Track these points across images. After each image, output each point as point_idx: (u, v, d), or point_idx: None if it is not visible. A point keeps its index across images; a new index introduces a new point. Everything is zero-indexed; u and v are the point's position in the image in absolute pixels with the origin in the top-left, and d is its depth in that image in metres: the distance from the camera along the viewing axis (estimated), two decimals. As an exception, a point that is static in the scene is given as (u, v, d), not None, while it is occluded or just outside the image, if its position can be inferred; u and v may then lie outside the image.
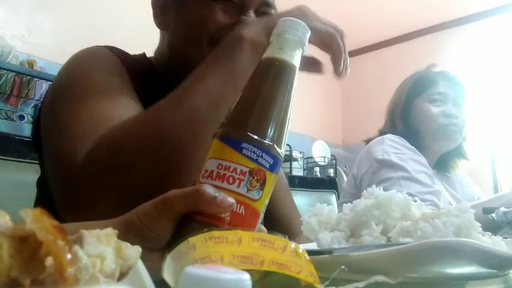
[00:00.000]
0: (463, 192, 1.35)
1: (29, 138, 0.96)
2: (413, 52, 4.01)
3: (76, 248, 0.21)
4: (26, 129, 2.05)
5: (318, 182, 1.96)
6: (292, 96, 0.41)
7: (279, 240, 0.28)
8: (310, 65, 0.63)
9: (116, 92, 0.62)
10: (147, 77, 0.72)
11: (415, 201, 0.48)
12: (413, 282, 0.36)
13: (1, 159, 0.90)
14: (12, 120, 2.01)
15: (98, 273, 0.21)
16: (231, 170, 0.36)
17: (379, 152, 1.20)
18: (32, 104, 2.05)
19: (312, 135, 3.84)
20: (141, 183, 0.49)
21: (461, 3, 3.75)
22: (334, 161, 3.77)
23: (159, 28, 0.76)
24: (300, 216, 0.87)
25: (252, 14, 0.68)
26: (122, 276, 0.24)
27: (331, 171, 3.71)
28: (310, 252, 0.30)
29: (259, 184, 0.36)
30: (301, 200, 1.59)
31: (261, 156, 0.37)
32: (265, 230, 0.40)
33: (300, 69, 0.43)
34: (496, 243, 0.42)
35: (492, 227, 0.72)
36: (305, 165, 3.70)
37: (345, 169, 3.76)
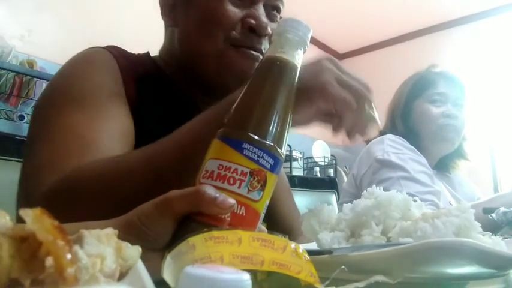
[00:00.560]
0: (463, 192, 1.35)
1: (29, 138, 0.96)
2: (413, 52, 4.01)
3: (76, 248, 0.21)
4: (26, 129, 2.04)
5: (318, 182, 1.96)
6: (293, 96, 0.41)
7: (279, 240, 0.28)
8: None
9: (102, 102, 0.62)
10: (149, 77, 0.72)
11: (415, 201, 0.48)
12: (413, 282, 0.36)
13: (1, 159, 0.90)
14: (12, 120, 2.02)
15: (98, 273, 0.21)
16: (231, 170, 0.36)
17: (379, 152, 1.20)
18: (32, 104, 2.05)
19: (312, 135, 3.84)
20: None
21: (459, 4, 3.75)
22: (334, 161, 3.77)
23: (168, 26, 0.75)
24: (300, 217, 0.87)
25: (261, 8, 0.69)
26: (121, 276, 0.24)
27: (331, 171, 3.71)
28: (310, 252, 0.30)
29: (260, 185, 0.36)
30: (301, 200, 1.59)
31: (262, 157, 0.37)
32: (265, 230, 0.40)
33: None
34: (496, 243, 0.42)
35: (492, 227, 0.72)
36: (305, 165, 3.70)
37: (345, 169, 3.76)
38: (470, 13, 3.87)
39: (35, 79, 2.01)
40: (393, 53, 4.32)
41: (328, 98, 0.45)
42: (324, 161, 3.70)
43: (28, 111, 2.05)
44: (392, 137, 1.26)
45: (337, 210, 0.51)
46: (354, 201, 0.48)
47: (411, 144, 1.24)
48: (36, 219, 0.20)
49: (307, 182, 1.76)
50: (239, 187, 0.36)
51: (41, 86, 2.03)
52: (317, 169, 3.74)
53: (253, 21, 0.67)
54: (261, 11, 0.68)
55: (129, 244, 0.25)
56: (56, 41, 2.35)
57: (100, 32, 2.43)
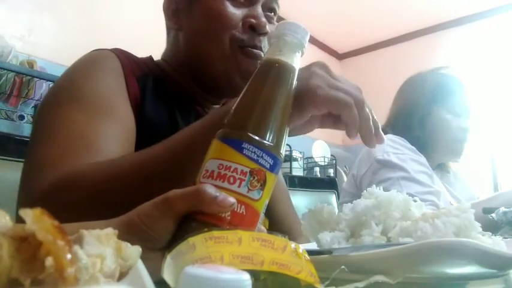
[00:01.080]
0: (463, 192, 1.35)
1: (28, 138, 0.96)
2: (412, 52, 4.01)
3: (76, 248, 0.21)
4: (26, 129, 2.05)
5: (318, 182, 1.96)
6: (291, 97, 0.42)
7: (279, 240, 0.28)
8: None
9: (104, 103, 0.62)
10: (153, 77, 0.73)
11: (415, 201, 0.48)
12: (413, 282, 0.36)
13: (1, 159, 0.90)
14: (12, 120, 2.02)
15: (98, 273, 0.21)
16: (231, 170, 0.36)
17: (379, 152, 1.20)
18: (32, 104, 2.05)
19: (312, 135, 3.83)
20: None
21: (457, 4, 3.75)
22: (334, 161, 3.78)
23: (173, 29, 0.77)
24: (298, 218, 0.88)
25: (259, 8, 0.71)
26: (121, 276, 0.24)
27: (331, 171, 3.72)
28: (310, 252, 0.30)
29: (259, 184, 0.37)
30: (301, 200, 1.59)
31: (262, 157, 0.37)
32: (265, 230, 0.40)
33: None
34: (496, 243, 0.42)
35: (492, 227, 0.72)
36: (305, 165, 3.70)
37: (345, 169, 3.76)
38: (466, 14, 3.87)
39: (35, 79, 2.01)
40: (393, 53, 4.32)
41: (319, 101, 0.45)
42: (324, 161, 3.70)
43: (28, 111, 2.05)
44: (392, 137, 1.25)
45: (337, 210, 0.51)
46: (354, 201, 0.48)
47: (421, 148, 1.23)
48: (36, 219, 0.20)
49: (307, 182, 1.76)
50: (239, 186, 0.36)
51: (40, 86, 2.03)
52: (317, 169, 3.74)
53: (253, 20, 0.69)
54: (259, 10, 0.71)
55: (129, 244, 0.25)
56: (56, 41, 2.35)
57: (100, 32, 2.44)
